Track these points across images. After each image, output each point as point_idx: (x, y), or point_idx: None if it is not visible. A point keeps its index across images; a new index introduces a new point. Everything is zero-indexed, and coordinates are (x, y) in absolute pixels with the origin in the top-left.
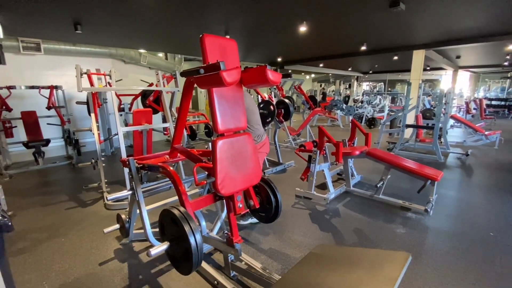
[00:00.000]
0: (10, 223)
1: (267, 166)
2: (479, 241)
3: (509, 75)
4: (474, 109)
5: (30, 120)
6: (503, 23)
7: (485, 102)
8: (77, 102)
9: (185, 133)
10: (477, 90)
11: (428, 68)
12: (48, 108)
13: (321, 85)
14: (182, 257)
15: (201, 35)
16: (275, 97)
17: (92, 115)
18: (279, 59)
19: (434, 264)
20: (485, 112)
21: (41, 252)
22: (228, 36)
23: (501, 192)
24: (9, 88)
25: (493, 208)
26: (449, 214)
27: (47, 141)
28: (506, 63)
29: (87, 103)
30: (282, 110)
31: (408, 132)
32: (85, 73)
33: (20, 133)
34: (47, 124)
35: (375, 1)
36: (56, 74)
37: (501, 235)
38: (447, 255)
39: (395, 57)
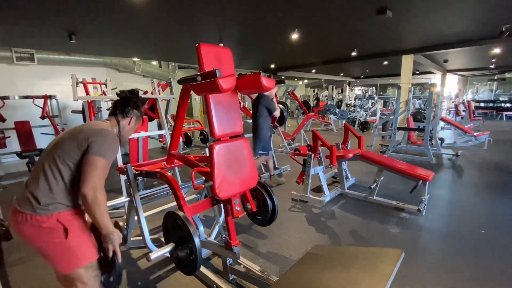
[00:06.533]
0: (9, 232)
1: (263, 171)
2: (471, 239)
3: (495, 78)
4: (463, 111)
5: (24, 130)
6: (486, 28)
7: (473, 104)
8: (73, 111)
9: (180, 140)
10: (465, 93)
11: (417, 72)
12: (42, 117)
13: (314, 90)
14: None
15: (197, 44)
16: None
17: None
18: (273, 66)
19: (428, 262)
20: (473, 113)
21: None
22: (222, 44)
23: (490, 190)
24: (2, 98)
25: (483, 207)
26: (442, 213)
27: (41, 151)
28: (492, 66)
29: (82, 112)
30: None
31: (400, 134)
32: (81, 82)
33: (13, 143)
34: (41, 133)
35: (363, 9)
36: (50, 84)
37: (492, 232)
38: (441, 253)
39: (385, 62)
